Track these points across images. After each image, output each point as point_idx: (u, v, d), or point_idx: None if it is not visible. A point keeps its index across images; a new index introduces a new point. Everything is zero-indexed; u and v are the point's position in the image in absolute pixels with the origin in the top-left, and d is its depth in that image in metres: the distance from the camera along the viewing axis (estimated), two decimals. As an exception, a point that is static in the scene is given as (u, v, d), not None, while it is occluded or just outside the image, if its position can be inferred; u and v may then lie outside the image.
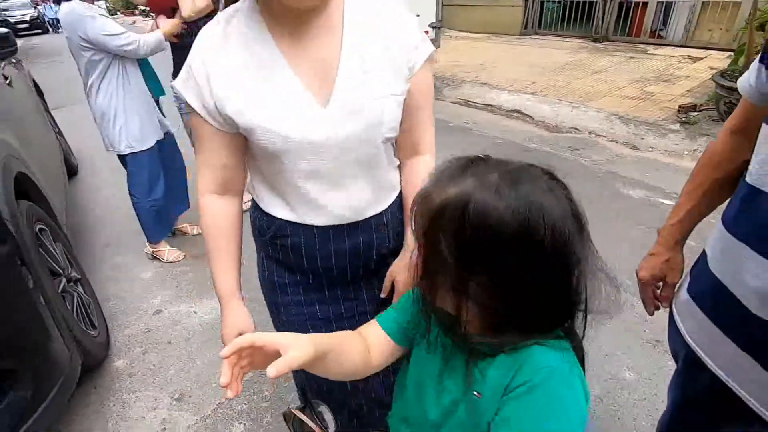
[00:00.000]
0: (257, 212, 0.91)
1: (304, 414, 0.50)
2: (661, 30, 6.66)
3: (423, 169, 0.88)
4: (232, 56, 0.74)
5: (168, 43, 2.35)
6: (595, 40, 7.05)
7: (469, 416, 0.56)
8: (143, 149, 2.24)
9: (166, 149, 2.42)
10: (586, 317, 0.53)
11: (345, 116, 0.75)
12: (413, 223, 0.54)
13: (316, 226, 0.84)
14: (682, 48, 6.10)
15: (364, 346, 0.69)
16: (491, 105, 4.98)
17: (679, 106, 4.13)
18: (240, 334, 0.84)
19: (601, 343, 1.77)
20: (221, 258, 0.85)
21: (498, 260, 0.48)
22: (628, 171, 3.24)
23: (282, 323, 0.97)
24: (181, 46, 2.40)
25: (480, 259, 0.48)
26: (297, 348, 0.51)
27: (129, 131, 2.18)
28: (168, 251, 2.52)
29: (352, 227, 0.86)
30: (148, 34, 2.15)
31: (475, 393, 0.55)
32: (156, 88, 2.34)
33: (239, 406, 1.62)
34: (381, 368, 0.70)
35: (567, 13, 7.56)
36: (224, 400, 1.65)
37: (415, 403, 0.66)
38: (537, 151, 3.68)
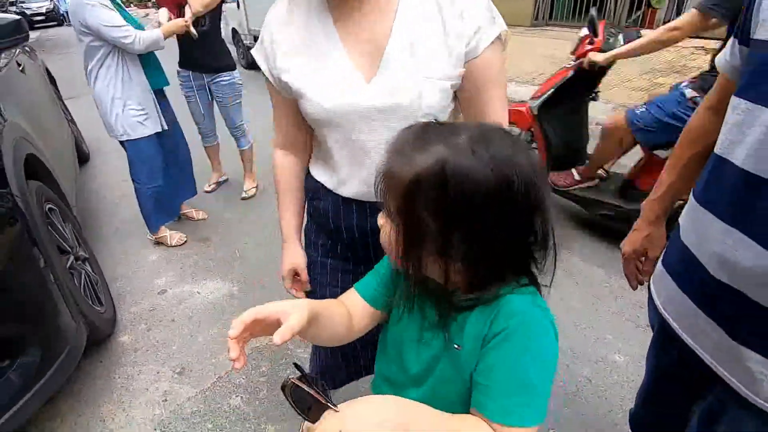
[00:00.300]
0: (308, 174, 1.00)
1: (301, 382, 0.53)
2: (674, 21, 6.52)
3: None
4: (293, 33, 0.82)
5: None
6: (607, 32, 6.93)
7: (451, 369, 0.59)
8: (141, 136, 2.26)
9: (169, 138, 2.45)
10: (547, 254, 0.55)
11: (383, 93, 0.78)
12: (383, 203, 0.55)
13: (342, 197, 0.89)
14: (695, 39, 5.96)
15: (346, 312, 0.71)
16: (498, 96, 4.95)
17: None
18: (293, 270, 1.01)
19: (593, 326, 1.78)
20: (284, 204, 1.01)
21: (480, 218, 0.49)
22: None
23: (312, 277, 1.03)
24: (187, 37, 2.42)
25: (463, 220, 0.50)
26: (296, 314, 0.53)
27: (126, 118, 2.20)
28: (170, 235, 2.59)
29: (374, 207, 0.87)
30: (148, 31, 2.15)
31: (456, 346, 0.57)
32: (160, 79, 2.33)
33: (237, 380, 1.68)
34: (363, 333, 0.73)
35: (578, 3, 7.44)
36: (224, 374, 1.70)
37: (396, 361, 0.69)
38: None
